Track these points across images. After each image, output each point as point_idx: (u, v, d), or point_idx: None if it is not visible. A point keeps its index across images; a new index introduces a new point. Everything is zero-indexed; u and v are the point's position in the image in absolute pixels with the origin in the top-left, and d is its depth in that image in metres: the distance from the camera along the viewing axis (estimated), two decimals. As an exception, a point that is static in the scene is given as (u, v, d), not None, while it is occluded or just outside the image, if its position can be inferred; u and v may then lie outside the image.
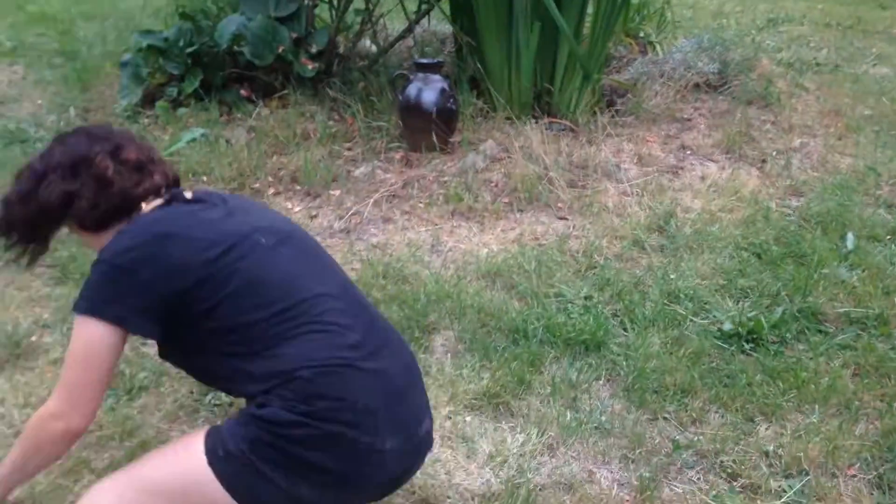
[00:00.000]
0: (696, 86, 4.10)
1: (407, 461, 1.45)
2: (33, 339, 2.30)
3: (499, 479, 1.86)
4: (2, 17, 5.86)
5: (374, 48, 4.39)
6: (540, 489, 1.84)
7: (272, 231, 1.45)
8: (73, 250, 2.72)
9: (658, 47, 4.53)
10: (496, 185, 3.22)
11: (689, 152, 3.57)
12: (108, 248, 1.38)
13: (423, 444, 1.47)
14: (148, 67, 3.99)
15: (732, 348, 2.29)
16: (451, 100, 3.53)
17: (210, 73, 3.93)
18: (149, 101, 3.95)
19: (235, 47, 3.89)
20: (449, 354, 2.27)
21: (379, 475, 1.40)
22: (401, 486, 1.53)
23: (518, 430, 2.01)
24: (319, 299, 1.40)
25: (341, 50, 4.26)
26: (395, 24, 4.60)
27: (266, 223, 1.48)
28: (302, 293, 1.39)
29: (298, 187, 3.27)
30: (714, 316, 2.44)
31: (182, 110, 3.80)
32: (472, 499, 1.81)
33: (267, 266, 1.40)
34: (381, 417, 1.36)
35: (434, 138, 3.43)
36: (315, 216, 3.09)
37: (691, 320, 2.42)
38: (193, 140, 3.50)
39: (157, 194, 1.48)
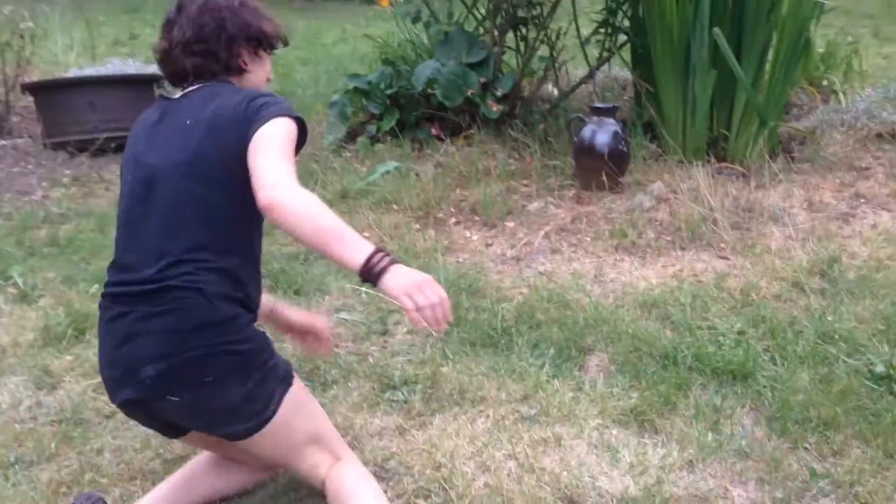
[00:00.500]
0: (879, 135, 4.07)
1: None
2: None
3: (637, 486, 2.04)
4: (232, 61, 6.70)
5: (555, 92, 4.69)
6: (675, 499, 2.00)
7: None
8: (283, 264, 3.18)
9: (842, 96, 4.52)
10: (660, 224, 3.39)
11: (862, 200, 3.57)
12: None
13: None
14: (352, 107, 4.50)
15: (882, 389, 2.34)
16: (624, 142, 3.74)
17: (405, 113, 4.38)
18: (351, 137, 4.45)
19: (429, 90, 4.31)
20: (602, 373, 2.48)
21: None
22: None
23: (660, 445, 2.18)
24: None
25: (525, 94, 4.59)
26: (577, 70, 4.88)
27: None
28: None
29: (477, 218, 3.60)
30: (867, 358, 2.49)
31: (379, 146, 4.27)
32: (612, 500, 2.01)
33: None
34: None
35: (605, 178, 3.66)
36: (490, 244, 3.41)
37: (843, 360, 2.49)
38: (388, 172, 3.93)
39: None
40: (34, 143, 4.50)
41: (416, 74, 4.35)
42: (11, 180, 4.10)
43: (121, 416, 2.12)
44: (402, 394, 2.38)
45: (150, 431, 2.03)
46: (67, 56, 5.71)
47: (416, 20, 4.63)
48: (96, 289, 3.02)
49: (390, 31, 5.33)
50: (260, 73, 1.92)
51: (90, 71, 4.95)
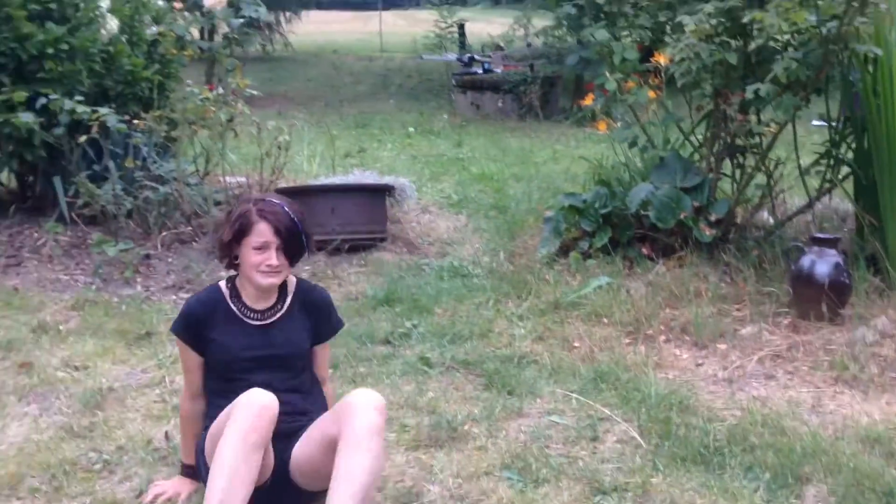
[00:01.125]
0: None
1: None
2: (465, 427, 2.92)
3: None
4: (452, 175, 7.22)
5: (771, 220, 4.68)
6: None
7: None
8: (498, 365, 3.38)
9: None
10: (885, 360, 3.28)
11: None
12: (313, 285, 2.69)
13: None
14: (566, 223, 4.72)
15: None
16: (845, 274, 3.68)
17: (618, 231, 4.53)
18: (564, 251, 4.65)
19: (642, 211, 4.45)
20: (820, 504, 2.43)
21: None
22: None
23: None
24: None
25: (739, 220, 4.62)
26: (794, 199, 4.86)
27: None
28: None
29: (687, 337, 3.65)
30: None
31: (591, 261, 4.43)
32: None
33: None
34: None
35: (824, 309, 3.60)
36: (701, 364, 3.43)
37: None
38: (599, 287, 4.07)
39: None
40: (278, 240, 5.05)
41: (630, 196, 4.52)
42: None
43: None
44: (613, 499, 2.45)
45: None
46: (310, 165, 6.40)
47: (632, 145, 4.83)
48: (331, 373, 3.34)
49: (602, 153, 5.57)
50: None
51: (335, 179, 5.53)
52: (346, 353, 3.51)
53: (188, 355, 2.49)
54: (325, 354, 2.67)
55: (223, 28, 6.30)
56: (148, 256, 4.64)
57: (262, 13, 6.22)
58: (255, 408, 2.17)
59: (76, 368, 3.35)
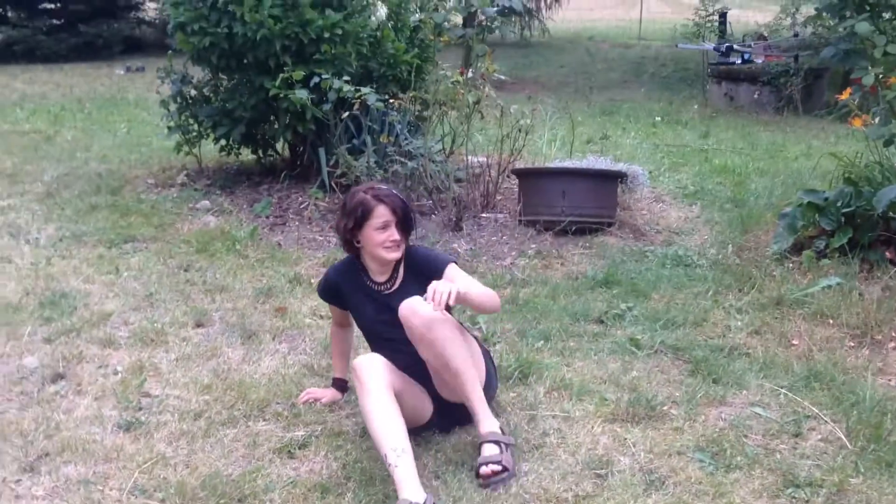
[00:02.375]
0: None
1: None
2: (664, 407, 2.99)
3: None
4: (692, 166, 7.10)
5: None
6: None
7: None
8: (707, 354, 3.39)
9: None
10: None
11: None
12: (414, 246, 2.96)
13: None
14: (803, 221, 4.54)
15: None
16: None
17: (859, 232, 4.29)
18: (796, 249, 4.49)
19: (890, 213, 4.18)
20: None
21: None
22: None
23: None
24: None
25: None
26: None
27: None
28: None
29: (921, 347, 3.43)
30: None
31: (825, 261, 4.24)
32: None
33: None
34: None
35: None
36: (931, 376, 3.23)
37: None
38: (828, 287, 3.91)
39: None
40: (511, 218, 5.30)
41: (878, 196, 4.25)
42: (489, 247, 4.90)
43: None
44: (805, 493, 2.44)
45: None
46: (549, 149, 6.59)
47: (888, 143, 4.53)
48: (542, 344, 3.54)
49: (859, 150, 5.25)
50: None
51: (567, 163, 5.69)
52: (558, 328, 3.68)
53: (333, 309, 3.06)
54: (462, 279, 2.77)
55: (482, 16, 6.64)
56: (392, 224, 5.10)
57: (517, 3, 6.47)
58: (368, 369, 2.60)
59: (321, 317, 3.81)
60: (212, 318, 3.78)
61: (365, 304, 2.88)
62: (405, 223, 2.81)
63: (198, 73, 6.28)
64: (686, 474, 2.57)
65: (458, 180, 5.48)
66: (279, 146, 6.40)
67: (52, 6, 16.44)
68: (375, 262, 2.84)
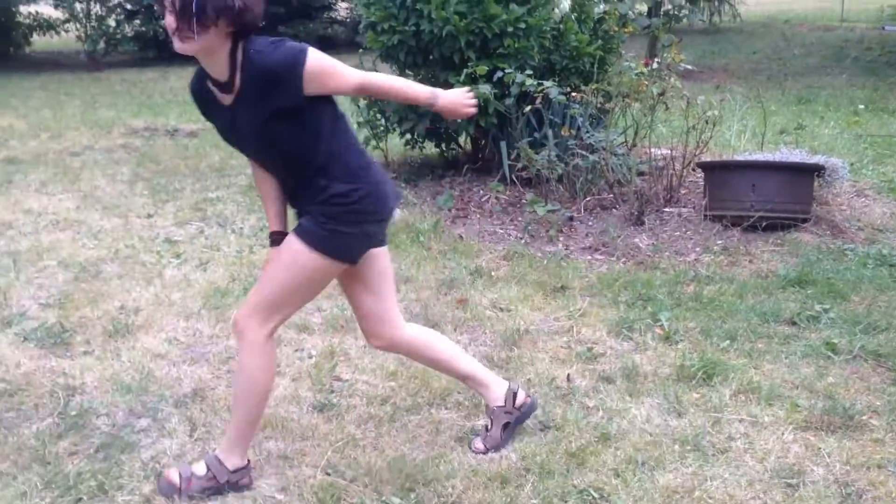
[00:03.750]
0: None
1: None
2: (864, 417, 2.81)
3: None
4: None
5: None
6: None
7: None
8: None
9: None
10: None
11: None
12: (264, 40, 2.24)
13: None
14: None
15: None
16: None
17: None
18: None
19: None
20: None
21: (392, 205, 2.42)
22: None
23: None
24: None
25: None
26: None
27: None
28: None
29: None
30: None
31: None
32: None
33: None
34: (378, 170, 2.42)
35: None
36: None
37: None
38: None
39: None
40: (695, 213, 5.14)
41: None
42: (672, 242, 4.77)
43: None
44: None
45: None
46: (738, 140, 6.32)
47: None
48: (727, 344, 3.42)
49: None
50: None
51: (757, 156, 5.43)
52: (746, 328, 3.55)
53: None
54: (325, 80, 2.24)
55: (668, 4, 6.47)
56: (571, 218, 5.08)
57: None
58: None
59: (501, 309, 3.88)
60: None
61: (217, 117, 2.36)
62: (180, 5, 2.11)
63: (386, 69, 6.52)
64: (886, 489, 2.42)
65: (640, 173, 5.38)
66: (461, 140, 6.54)
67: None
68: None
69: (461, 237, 4.98)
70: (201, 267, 4.54)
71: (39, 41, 19.75)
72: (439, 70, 5.88)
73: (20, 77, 15.14)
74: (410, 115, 6.15)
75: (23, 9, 18.35)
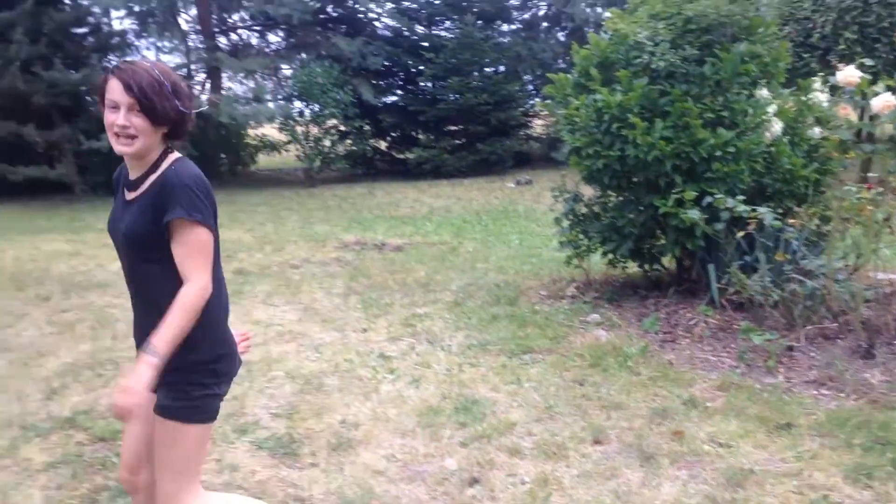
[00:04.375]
0: None
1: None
2: None
3: None
4: None
5: None
6: None
7: None
8: None
9: None
10: None
11: None
12: (188, 170, 2.26)
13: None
14: None
15: None
16: None
17: None
18: None
19: None
20: None
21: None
22: None
23: None
24: None
25: None
26: None
27: None
28: None
29: None
30: None
31: None
32: None
33: None
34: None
35: None
36: None
37: None
38: None
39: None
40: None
41: None
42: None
43: None
44: None
45: None
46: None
47: None
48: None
49: None
50: None
51: None
52: None
53: None
54: (177, 249, 2.23)
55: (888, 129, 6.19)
56: (791, 348, 4.84)
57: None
58: None
59: (720, 445, 3.73)
60: (608, 436, 3.89)
61: (115, 203, 2.40)
62: (145, 108, 2.17)
63: (588, 191, 6.64)
64: None
65: (866, 301, 5.06)
66: (666, 260, 6.47)
67: (456, 128, 18.53)
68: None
69: (671, 363, 4.87)
70: (414, 384, 4.71)
71: (262, 159, 21.81)
72: (644, 193, 5.92)
73: (247, 193, 16.71)
74: (614, 235, 6.19)
75: (251, 131, 20.39)
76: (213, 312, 2.33)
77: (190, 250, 2.22)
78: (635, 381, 4.59)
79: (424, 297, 6.92)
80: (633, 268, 6.72)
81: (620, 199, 6.33)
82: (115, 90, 2.17)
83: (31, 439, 4.07)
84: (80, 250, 10.19)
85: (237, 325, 6.11)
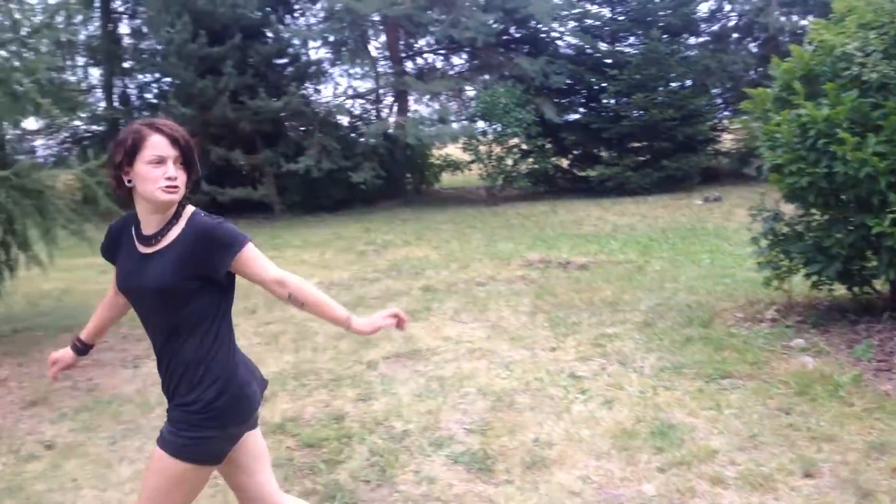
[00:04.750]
0: None
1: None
2: None
3: None
4: None
5: None
6: None
7: None
8: None
9: None
10: None
11: None
12: (207, 213, 2.38)
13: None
14: None
15: None
16: None
17: None
18: None
19: None
20: None
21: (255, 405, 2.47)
22: None
23: None
24: None
25: None
26: None
27: None
28: None
29: None
30: None
31: None
32: None
33: None
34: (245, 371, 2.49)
35: None
36: None
37: None
38: None
39: None
40: None
41: None
42: None
43: None
44: None
45: None
46: None
47: None
48: None
49: None
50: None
51: None
52: None
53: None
54: (252, 266, 2.34)
55: None
56: None
57: None
58: None
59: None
60: (820, 469, 3.66)
61: (124, 260, 2.42)
62: (187, 160, 2.34)
63: (788, 209, 6.31)
64: None
65: None
66: (878, 283, 6.03)
67: (640, 145, 18.20)
68: (149, 208, 2.35)
69: (888, 394, 4.52)
70: (606, 405, 4.66)
71: (445, 178, 22.37)
72: (854, 212, 5.55)
73: (431, 211, 17.20)
74: (819, 256, 5.84)
75: (435, 151, 20.99)
76: (219, 354, 2.37)
77: (260, 260, 2.35)
78: (848, 412, 4.30)
79: (612, 316, 6.82)
80: (840, 290, 6.30)
81: (826, 217, 5.98)
82: (160, 145, 2.29)
83: (247, 442, 4.38)
84: (279, 265, 10.87)
85: (427, 340, 6.37)
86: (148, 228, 2.36)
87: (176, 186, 2.30)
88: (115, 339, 6.99)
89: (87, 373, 5.97)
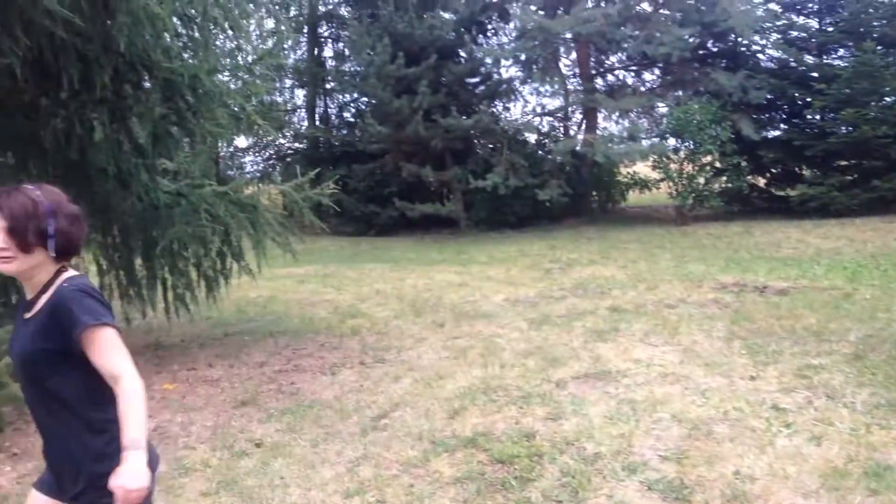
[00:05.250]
0: None
1: None
2: None
3: None
4: None
5: None
6: None
7: None
8: None
9: None
10: None
11: None
12: (79, 282, 2.27)
13: None
14: None
15: None
16: None
17: None
18: None
19: None
20: None
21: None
22: None
23: None
24: None
25: None
26: None
27: None
28: None
29: None
30: None
31: None
32: None
33: None
34: None
35: None
36: None
37: None
38: None
39: None
40: None
41: None
42: None
43: None
44: None
45: None
46: None
47: None
48: None
49: None
50: None
51: None
52: None
53: None
54: (93, 352, 2.21)
55: None
56: None
57: None
58: None
59: None
60: None
61: (16, 323, 2.40)
62: (16, 231, 2.20)
63: None
64: None
65: None
66: None
67: (847, 163, 16.99)
68: None
69: None
70: (814, 440, 4.37)
71: (631, 196, 21.94)
72: None
73: (617, 230, 16.93)
74: None
75: (623, 168, 20.65)
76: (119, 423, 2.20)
77: (108, 351, 2.21)
78: None
79: (818, 346, 6.40)
80: None
81: None
82: None
83: (440, 454, 4.48)
84: (466, 281, 11.06)
85: (616, 362, 6.25)
86: (28, 294, 2.35)
87: (7, 257, 2.23)
88: (313, 346, 7.39)
89: (290, 377, 6.35)
